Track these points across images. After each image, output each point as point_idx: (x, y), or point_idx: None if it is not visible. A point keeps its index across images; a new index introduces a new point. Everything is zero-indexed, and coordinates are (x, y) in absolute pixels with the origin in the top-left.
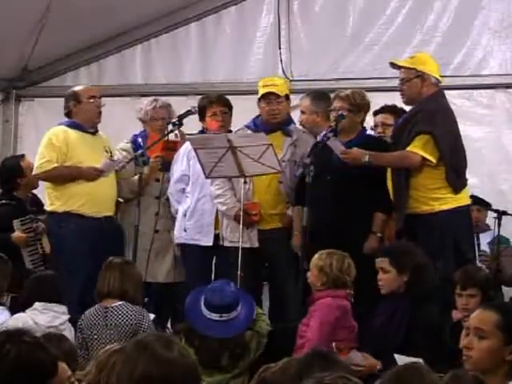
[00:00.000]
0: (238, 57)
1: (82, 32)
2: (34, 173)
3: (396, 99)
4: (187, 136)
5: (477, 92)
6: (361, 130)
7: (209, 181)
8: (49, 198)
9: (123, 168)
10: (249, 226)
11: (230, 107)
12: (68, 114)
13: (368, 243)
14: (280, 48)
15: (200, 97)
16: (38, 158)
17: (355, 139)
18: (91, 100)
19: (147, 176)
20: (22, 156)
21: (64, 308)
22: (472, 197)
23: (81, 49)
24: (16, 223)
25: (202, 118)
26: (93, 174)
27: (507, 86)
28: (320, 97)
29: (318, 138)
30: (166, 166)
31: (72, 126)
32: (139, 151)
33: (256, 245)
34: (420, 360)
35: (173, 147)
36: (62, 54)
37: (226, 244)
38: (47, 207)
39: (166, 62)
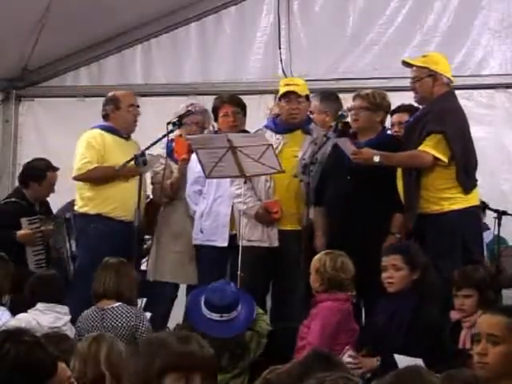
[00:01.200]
0: (238, 57)
1: (82, 32)
2: (74, 174)
3: (396, 99)
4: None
5: (477, 92)
6: (381, 129)
7: (223, 181)
8: (81, 199)
9: (123, 168)
10: (269, 224)
11: (242, 107)
12: (105, 117)
13: (387, 244)
14: (280, 48)
15: (200, 96)
16: (79, 160)
17: (375, 139)
18: (130, 108)
19: (176, 179)
20: (55, 169)
21: (66, 309)
22: None
23: (81, 49)
24: (24, 222)
25: (216, 119)
26: (129, 175)
27: (507, 86)
28: (329, 97)
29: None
30: None
31: (108, 129)
32: (139, 152)
33: (275, 244)
34: (420, 360)
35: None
36: (62, 54)
37: (244, 243)
38: (78, 208)
39: (166, 62)
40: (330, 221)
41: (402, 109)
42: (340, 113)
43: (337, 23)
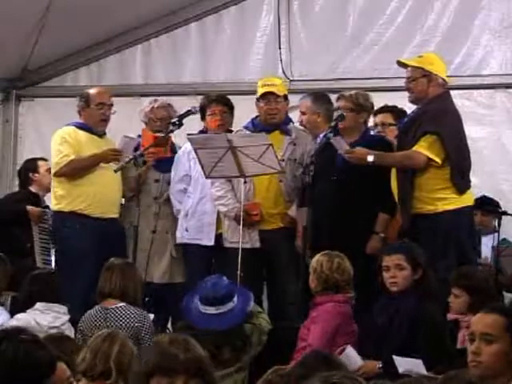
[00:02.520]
0: (238, 57)
1: (82, 32)
2: (53, 171)
3: (396, 99)
4: (187, 136)
5: (477, 92)
6: (364, 130)
7: (209, 181)
8: (55, 197)
9: (122, 168)
10: (250, 226)
11: (230, 107)
12: (79, 114)
13: (371, 243)
14: (280, 48)
15: (200, 96)
16: (55, 155)
17: (359, 139)
18: (99, 107)
19: (143, 172)
20: (43, 158)
21: (64, 308)
22: (482, 198)
23: (81, 49)
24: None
25: (202, 118)
26: (110, 155)
27: (507, 86)
28: (321, 97)
29: (318, 139)
30: (162, 164)
31: (80, 127)
32: (138, 152)
33: (257, 245)
34: (420, 361)
35: (164, 143)
36: (62, 53)
37: (227, 245)
38: (53, 206)
39: (166, 62)
40: (316, 222)
41: (386, 109)
42: (340, 113)
43: (337, 23)
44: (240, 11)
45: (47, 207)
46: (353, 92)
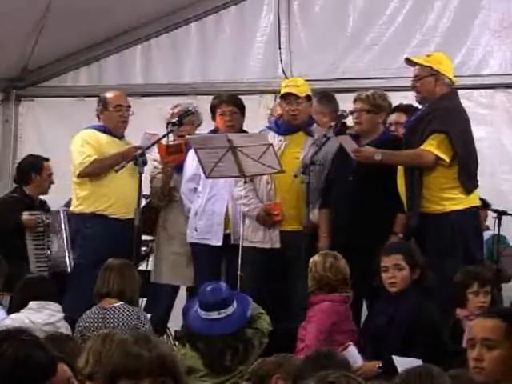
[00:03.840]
0: (238, 57)
1: (82, 32)
2: (77, 172)
3: (396, 99)
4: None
5: (477, 92)
6: (383, 130)
7: (218, 181)
8: (77, 199)
9: (122, 168)
10: (271, 226)
11: (240, 107)
12: (98, 117)
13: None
14: (280, 48)
15: (200, 96)
16: (78, 157)
17: (377, 140)
18: (117, 109)
19: (163, 184)
20: (47, 159)
21: (59, 306)
22: None
23: (81, 49)
24: (26, 214)
25: (213, 118)
26: (133, 153)
27: (507, 86)
28: (326, 97)
29: (321, 140)
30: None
31: (100, 129)
32: (138, 152)
33: (277, 245)
34: (419, 361)
35: (176, 150)
36: (62, 53)
37: (246, 244)
38: (74, 208)
39: (166, 62)
40: (333, 222)
41: (400, 108)
42: (340, 113)
43: (337, 23)
44: (240, 11)
45: (43, 205)
46: (369, 92)
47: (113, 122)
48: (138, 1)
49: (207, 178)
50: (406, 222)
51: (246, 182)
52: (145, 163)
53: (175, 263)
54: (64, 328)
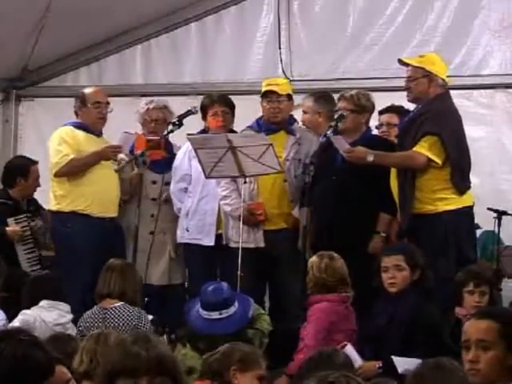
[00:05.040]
0: (238, 57)
1: (82, 32)
2: (54, 171)
3: (396, 99)
4: (187, 136)
5: (477, 92)
6: (365, 130)
7: (210, 181)
8: (54, 197)
9: (122, 168)
10: (254, 226)
11: (231, 107)
12: (76, 114)
13: (373, 243)
14: (280, 48)
15: (200, 96)
16: (55, 155)
17: (359, 139)
18: (95, 106)
19: (135, 175)
20: (35, 162)
21: (68, 307)
22: None
23: (81, 49)
24: (11, 222)
25: (204, 117)
26: (109, 152)
27: (507, 86)
28: (323, 97)
29: (320, 139)
30: (158, 166)
31: (78, 126)
32: (139, 152)
33: (262, 244)
34: (419, 361)
35: (155, 145)
36: (62, 53)
37: (232, 245)
38: (52, 207)
39: (166, 62)
40: (316, 221)
41: (392, 109)
42: (340, 113)
43: (337, 23)
44: (240, 11)
45: (30, 204)
46: (353, 92)
47: (91, 118)
48: (137, 1)
49: (207, 178)
50: (399, 223)
51: (245, 182)
52: (145, 163)
53: (143, 262)
54: (71, 330)
